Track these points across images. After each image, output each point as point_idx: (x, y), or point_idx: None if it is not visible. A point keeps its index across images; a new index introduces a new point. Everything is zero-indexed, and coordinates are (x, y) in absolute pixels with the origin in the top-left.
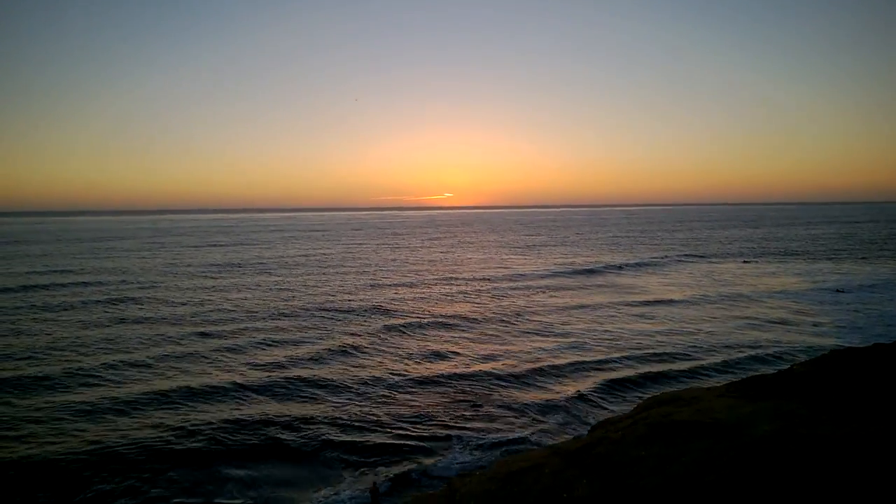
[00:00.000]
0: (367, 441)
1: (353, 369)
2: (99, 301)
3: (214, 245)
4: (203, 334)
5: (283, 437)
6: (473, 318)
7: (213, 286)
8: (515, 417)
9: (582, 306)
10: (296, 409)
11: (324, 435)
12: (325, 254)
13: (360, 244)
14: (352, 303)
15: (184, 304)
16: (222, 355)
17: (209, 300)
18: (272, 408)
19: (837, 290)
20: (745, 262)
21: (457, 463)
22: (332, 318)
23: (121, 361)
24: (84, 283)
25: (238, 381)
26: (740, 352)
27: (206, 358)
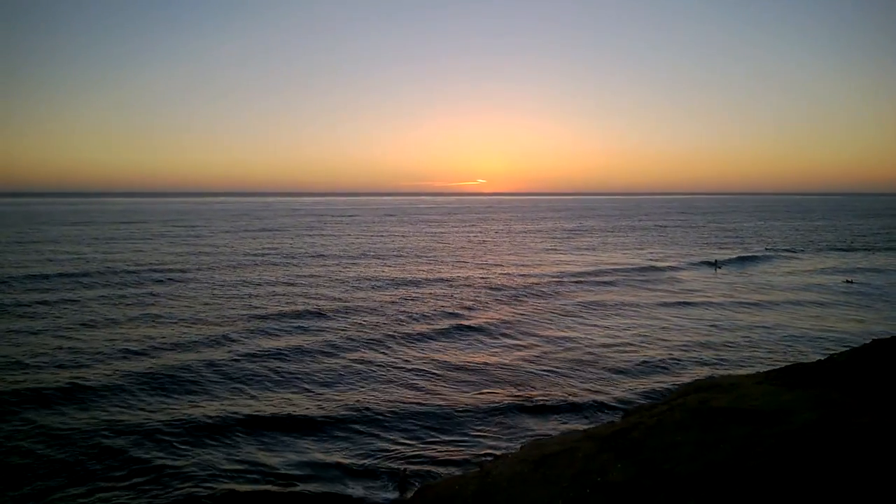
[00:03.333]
0: (403, 429)
1: (386, 360)
2: (125, 296)
3: (246, 230)
4: (228, 339)
5: (317, 431)
6: (511, 309)
7: (242, 280)
8: (549, 403)
9: (620, 302)
10: (331, 402)
11: (353, 425)
12: (355, 243)
13: (393, 232)
14: (386, 298)
15: (211, 299)
16: (243, 366)
17: (243, 294)
18: (307, 404)
19: (847, 281)
20: (767, 249)
21: (487, 446)
22: (364, 312)
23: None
24: (113, 271)
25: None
26: (775, 343)
27: (239, 364)
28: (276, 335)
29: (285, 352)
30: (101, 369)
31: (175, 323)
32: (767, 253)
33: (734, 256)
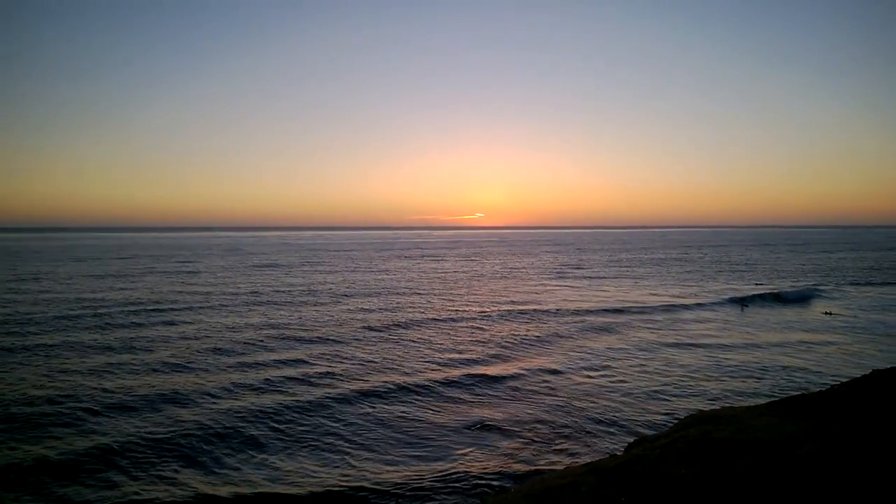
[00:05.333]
0: (399, 462)
1: (382, 407)
2: (104, 339)
3: (241, 266)
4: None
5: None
6: (515, 346)
7: (230, 322)
8: (551, 437)
9: (635, 340)
10: (322, 469)
11: (354, 469)
12: (351, 279)
13: (389, 267)
14: (382, 341)
15: (196, 342)
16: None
17: (229, 339)
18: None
19: (826, 313)
20: (759, 284)
21: (488, 481)
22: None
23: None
24: (96, 312)
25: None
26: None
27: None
28: (261, 389)
29: (271, 409)
30: (63, 436)
31: (152, 372)
32: (795, 290)
33: (762, 293)
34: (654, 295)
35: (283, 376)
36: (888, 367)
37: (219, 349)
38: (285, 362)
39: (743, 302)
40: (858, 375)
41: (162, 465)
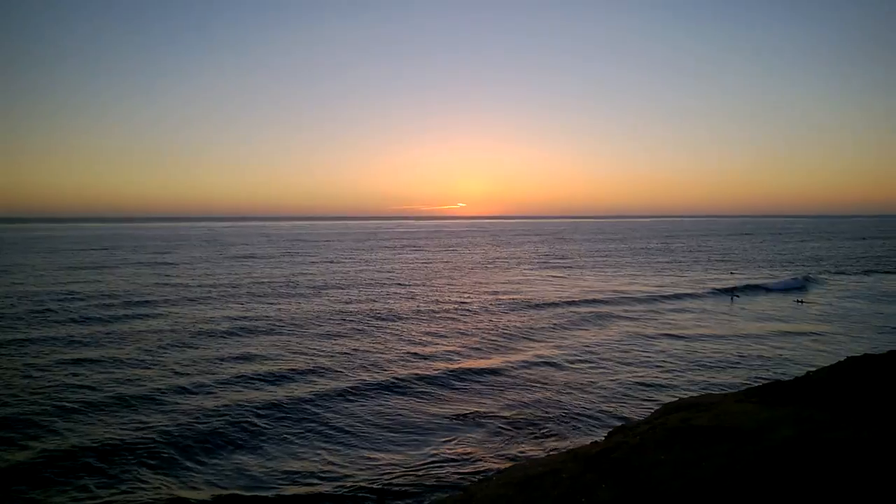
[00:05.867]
0: (382, 451)
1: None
2: (70, 335)
3: (220, 257)
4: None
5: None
6: (498, 336)
7: (204, 317)
8: (532, 425)
9: (622, 330)
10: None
11: (334, 465)
12: (330, 270)
13: (371, 258)
14: (361, 336)
15: (169, 335)
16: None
17: (203, 332)
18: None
19: (798, 301)
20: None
21: (471, 469)
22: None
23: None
24: (67, 308)
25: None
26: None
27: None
28: (238, 385)
29: (249, 405)
30: (33, 435)
31: (124, 367)
32: (780, 281)
33: (749, 283)
34: (635, 285)
35: (262, 371)
36: (861, 354)
37: (194, 344)
38: (264, 357)
39: (734, 293)
40: (833, 362)
41: (136, 464)
